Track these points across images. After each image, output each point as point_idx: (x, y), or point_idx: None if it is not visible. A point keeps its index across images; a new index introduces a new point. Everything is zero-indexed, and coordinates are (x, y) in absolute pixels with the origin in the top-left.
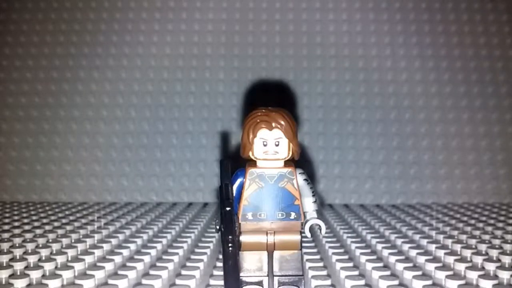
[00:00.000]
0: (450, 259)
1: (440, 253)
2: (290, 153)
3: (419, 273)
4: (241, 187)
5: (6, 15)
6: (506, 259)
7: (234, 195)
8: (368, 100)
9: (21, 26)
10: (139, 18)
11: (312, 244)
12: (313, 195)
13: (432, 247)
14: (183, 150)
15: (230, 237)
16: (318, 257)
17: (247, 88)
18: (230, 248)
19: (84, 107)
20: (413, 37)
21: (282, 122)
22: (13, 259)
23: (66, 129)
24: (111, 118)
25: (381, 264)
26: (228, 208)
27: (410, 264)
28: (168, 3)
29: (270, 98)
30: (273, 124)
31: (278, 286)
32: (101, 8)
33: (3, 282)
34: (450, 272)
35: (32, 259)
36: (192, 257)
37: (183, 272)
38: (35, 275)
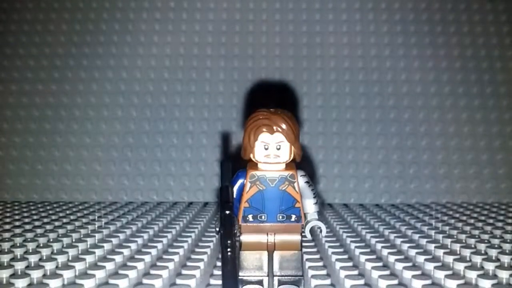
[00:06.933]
0: (449, 259)
1: (439, 252)
2: (292, 156)
3: (419, 272)
4: (241, 189)
5: (7, 15)
6: (505, 259)
7: (234, 196)
8: (367, 100)
9: (22, 26)
10: (139, 19)
11: (312, 244)
12: (314, 197)
13: (431, 246)
14: (184, 150)
15: (229, 241)
16: (317, 256)
17: (247, 88)
18: (229, 253)
19: (85, 107)
20: (412, 37)
21: (284, 126)
22: (14, 259)
23: (67, 128)
24: (112, 118)
25: (380, 264)
26: (227, 212)
27: (410, 264)
28: (168, 4)
29: (270, 98)
30: (275, 128)
31: (278, 286)
32: (101, 8)
33: (4, 282)
34: (449, 272)
35: (33, 258)
36: (193, 256)
37: (184, 271)
38: (36, 274)
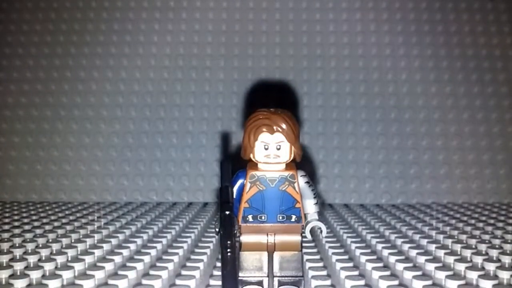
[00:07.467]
0: (450, 259)
1: (440, 253)
2: (292, 156)
3: (419, 273)
4: (241, 189)
5: (6, 15)
6: (506, 259)
7: (234, 197)
8: (368, 100)
9: (21, 26)
10: (139, 18)
11: (313, 245)
12: (314, 197)
13: (432, 247)
14: (183, 150)
15: (228, 242)
16: (318, 257)
17: (247, 88)
18: (229, 254)
19: (84, 107)
20: (413, 36)
21: (284, 126)
22: (13, 259)
23: (66, 128)
24: (111, 118)
25: (381, 264)
26: (227, 212)
27: (410, 264)
28: (168, 3)
29: (270, 98)
30: (275, 128)
31: (278, 286)
32: (101, 8)
33: (3, 282)
34: (450, 272)
35: (32, 259)
36: (192, 257)
37: (183, 272)
38: (35, 275)
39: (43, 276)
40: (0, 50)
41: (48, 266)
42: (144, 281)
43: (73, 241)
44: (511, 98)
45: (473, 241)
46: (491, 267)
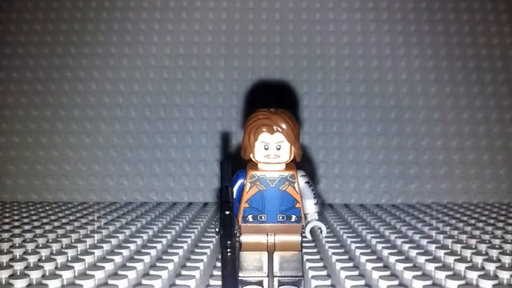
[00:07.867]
0: (450, 259)
1: (440, 253)
2: (292, 156)
3: (419, 273)
4: (241, 189)
5: (6, 15)
6: (506, 259)
7: (234, 197)
8: (368, 100)
9: (21, 26)
10: (139, 18)
11: (313, 245)
12: (314, 197)
13: (432, 247)
14: (183, 150)
15: (228, 242)
16: (318, 257)
17: (247, 88)
18: (229, 254)
19: (84, 107)
20: (413, 36)
21: (284, 126)
22: (13, 259)
23: (66, 128)
24: (111, 118)
25: (381, 264)
26: (227, 212)
27: (410, 264)
28: (168, 3)
29: (270, 98)
30: (275, 128)
31: (278, 286)
32: (101, 8)
33: (3, 282)
34: (450, 272)
35: (32, 259)
36: (192, 257)
37: (183, 272)
38: (35, 275)
39: (43, 276)
40: (0, 50)
41: (48, 266)
42: (144, 281)
43: (73, 241)
44: (511, 98)
45: (473, 241)
46: (491, 267)
